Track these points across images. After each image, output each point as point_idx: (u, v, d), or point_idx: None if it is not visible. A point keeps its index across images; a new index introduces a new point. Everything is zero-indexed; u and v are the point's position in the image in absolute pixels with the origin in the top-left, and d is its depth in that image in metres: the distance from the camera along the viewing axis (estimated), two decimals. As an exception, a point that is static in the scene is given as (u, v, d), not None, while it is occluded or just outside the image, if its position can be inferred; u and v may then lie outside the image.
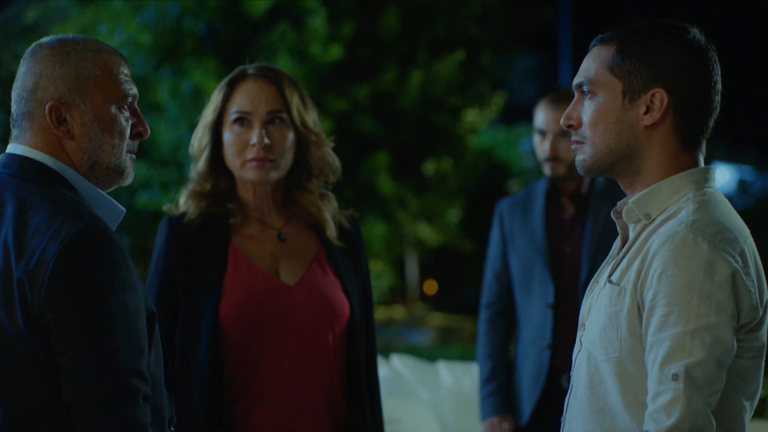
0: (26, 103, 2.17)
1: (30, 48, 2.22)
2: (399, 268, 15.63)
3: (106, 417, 1.99)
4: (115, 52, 2.25)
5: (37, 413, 2.03)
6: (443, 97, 10.06)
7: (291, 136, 2.79)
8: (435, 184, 10.79)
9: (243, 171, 2.78)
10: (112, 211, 2.22)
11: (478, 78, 10.74)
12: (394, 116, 9.95)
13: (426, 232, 11.43)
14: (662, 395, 2.03)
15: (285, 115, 2.78)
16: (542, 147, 4.06)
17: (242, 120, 2.78)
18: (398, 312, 16.55)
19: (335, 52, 9.03)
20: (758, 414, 5.00)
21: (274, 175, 2.78)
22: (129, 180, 2.28)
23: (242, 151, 2.77)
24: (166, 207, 2.89)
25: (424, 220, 11.04)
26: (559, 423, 2.42)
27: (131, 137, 2.25)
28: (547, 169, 4.06)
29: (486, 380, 4.17)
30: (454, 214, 12.29)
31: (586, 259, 3.98)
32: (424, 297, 18.48)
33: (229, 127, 2.79)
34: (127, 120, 2.23)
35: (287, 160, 2.80)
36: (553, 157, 4.02)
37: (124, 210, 2.28)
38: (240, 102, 2.79)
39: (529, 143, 17.55)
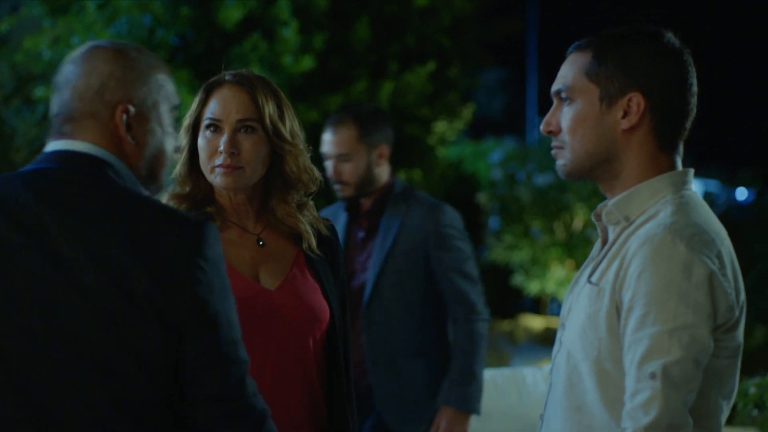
0: (89, 103, 2.08)
1: (86, 48, 2.12)
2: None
3: (249, 414, 2.05)
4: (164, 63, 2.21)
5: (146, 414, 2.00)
6: (414, 108, 10.06)
7: (262, 145, 2.78)
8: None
9: (212, 176, 2.78)
10: None
11: (448, 89, 10.76)
12: (365, 127, 9.94)
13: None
14: (640, 393, 2.06)
15: (256, 124, 2.77)
16: None
17: (213, 126, 2.78)
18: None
19: (307, 62, 9.02)
20: (728, 421, 5.04)
21: (242, 183, 2.78)
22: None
23: (211, 157, 2.78)
24: None
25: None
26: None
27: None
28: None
29: None
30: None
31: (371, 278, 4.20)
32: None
33: (202, 132, 2.80)
34: (173, 133, 2.20)
35: (257, 168, 2.78)
36: None
37: None
38: (213, 108, 2.79)
39: (498, 155, 17.57)
